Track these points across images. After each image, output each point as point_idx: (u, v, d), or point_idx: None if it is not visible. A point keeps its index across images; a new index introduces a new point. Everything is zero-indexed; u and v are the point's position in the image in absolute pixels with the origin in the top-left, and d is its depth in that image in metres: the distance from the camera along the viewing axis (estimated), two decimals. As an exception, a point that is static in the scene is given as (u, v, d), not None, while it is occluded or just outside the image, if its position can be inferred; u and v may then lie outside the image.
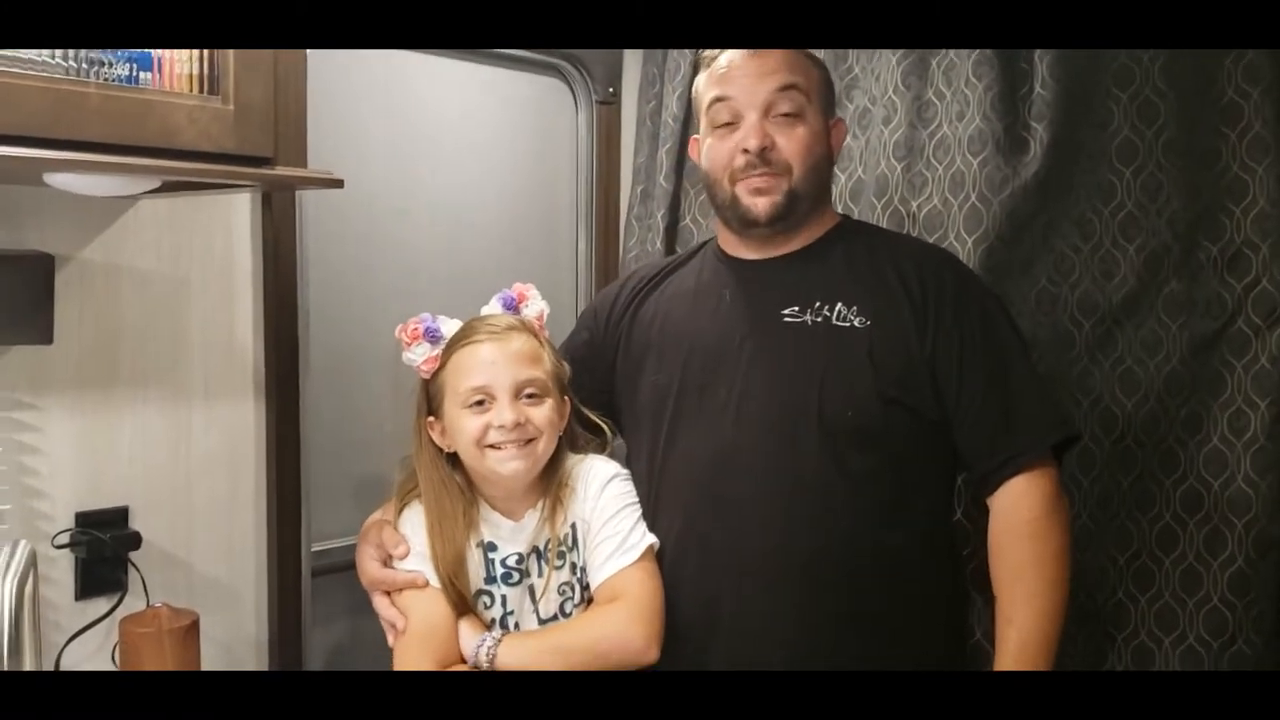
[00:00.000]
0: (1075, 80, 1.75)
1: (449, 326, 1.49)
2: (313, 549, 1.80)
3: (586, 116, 2.20)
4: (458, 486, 1.47)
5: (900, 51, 1.86)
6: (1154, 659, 1.78)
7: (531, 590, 1.47)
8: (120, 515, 1.56)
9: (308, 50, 1.55)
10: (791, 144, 1.46)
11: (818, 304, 1.47)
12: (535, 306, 1.53)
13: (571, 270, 2.23)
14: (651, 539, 1.47)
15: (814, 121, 1.48)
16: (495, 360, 1.43)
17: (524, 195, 2.15)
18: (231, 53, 1.19)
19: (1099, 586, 1.78)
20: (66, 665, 1.49)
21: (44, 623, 1.52)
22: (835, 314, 1.45)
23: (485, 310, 1.54)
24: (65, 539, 1.50)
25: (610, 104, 2.20)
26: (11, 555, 0.99)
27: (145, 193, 1.34)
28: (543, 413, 1.44)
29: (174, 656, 1.46)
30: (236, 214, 1.67)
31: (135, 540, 1.54)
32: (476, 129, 2.07)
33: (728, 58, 1.50)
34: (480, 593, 1.47)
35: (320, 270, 1.81)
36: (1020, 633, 1.41)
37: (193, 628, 1.49)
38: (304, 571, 1.78)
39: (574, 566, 1.48)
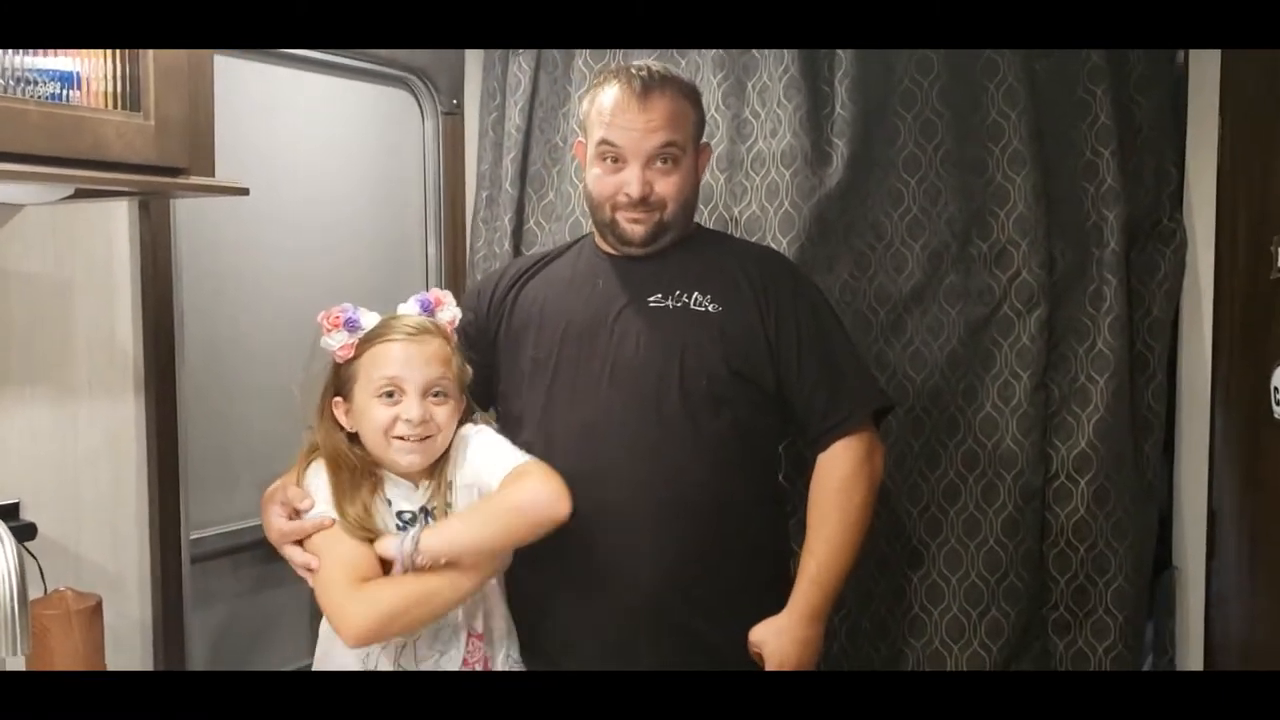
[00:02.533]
0: (869, 101, 2.05)
1: (368, 319, 1.61)
2: (191, 536, 1.90)
3: (433, 126, 2.35)
4: (358, 456, 1.61)
5: (721, 73, 2.12)
6: (944, 595, 2.09)
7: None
8: (13, 509, 1.63)
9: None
10: (667, 188, 1.71)
11: (678, 292, 1.73)
12: (449, 313, 1.67)
13: (422, 271, 2.37)
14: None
15: (687, 164, 1.73)
16: (410, 358, 1.58)
17: (377, 200, 2.29)
18: (150, 69, 1.29)
19: (896, 536, 2.09)
20: (-34, 652, 1.54)
21: (-59, 613, 1.57)
22: (692, 300, 1.72)
23: (402, 309, 1.66)
24: (-40, 532, 1.56)
25: (454, 114, 2.36)
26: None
27: (48, 202, 1.43)
28: (445, 412, 1.59)
29: (81, 637, 1.55)
30: (115, 220, 1.76)
31: (31, 531, 1.61)
32: (330, 138, 2.20)
33: (615, 100, 1.69)
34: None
35: (193, 272, 1.90)
36: (818, 562, 1.71)
37: (97, 609, 1.58)
38: (184, 558, 1.87)
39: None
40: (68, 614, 1.54)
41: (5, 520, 1.59)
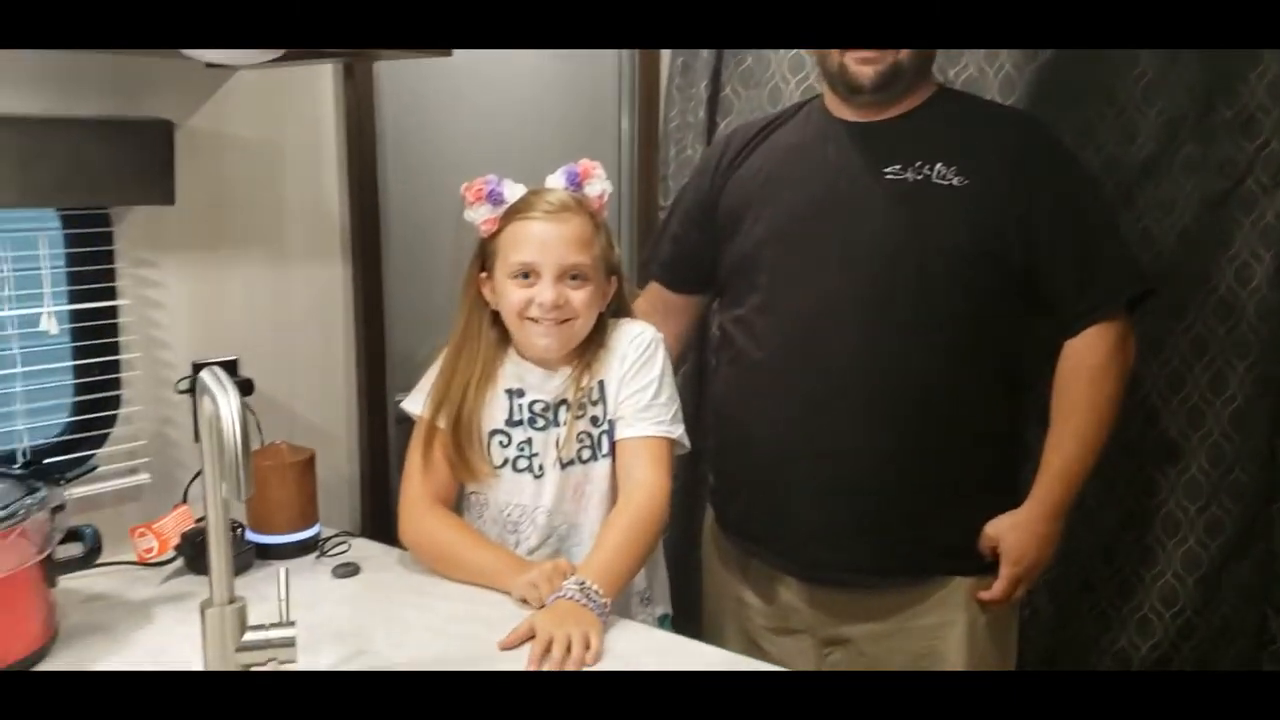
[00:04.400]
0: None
1: (512, 191, 1.56)
2: (396, 398, 1.95)
3: (629, -10, 2.28)
4: (489, 338, 1.58)
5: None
6: (1160, 488, 1.97)
7: (556, 437, 1.57)
8: (231, 366, 1.70)
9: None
10: None
11: (919, 163, 1.58)
12: (598, 186, 1.58)
13: (615, 141, 2.34)
14: (678, 432, 1.57)
15: None
16: (546, 239, 1.51)
17: (570, 66, 2.25)
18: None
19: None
20: (193, 497, 1.64)
21: (170, 461, 1.68)
22: (935, 172, 1.57)
23: (549, 181, 1.59)
24: (186, 384, 1.64)
25: (652, -23, 2.28)
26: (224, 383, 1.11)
27: (259, 64, 1.45)
28: (582, 296, 1.52)
29: (297, 487, 1.62)
30: (321, 85, 1.78)
31: (249, 387, 1.68)
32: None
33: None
34: (496, 432, 1.57)
35: (396, 138, 1.92)
36: (1063, 456, 1.60)
37: (310, 462, 1.65)
38: (389, 418, 1.94)
39: (595, 420, 1.57)
40: (283, 465, 1.62)
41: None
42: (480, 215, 1.56)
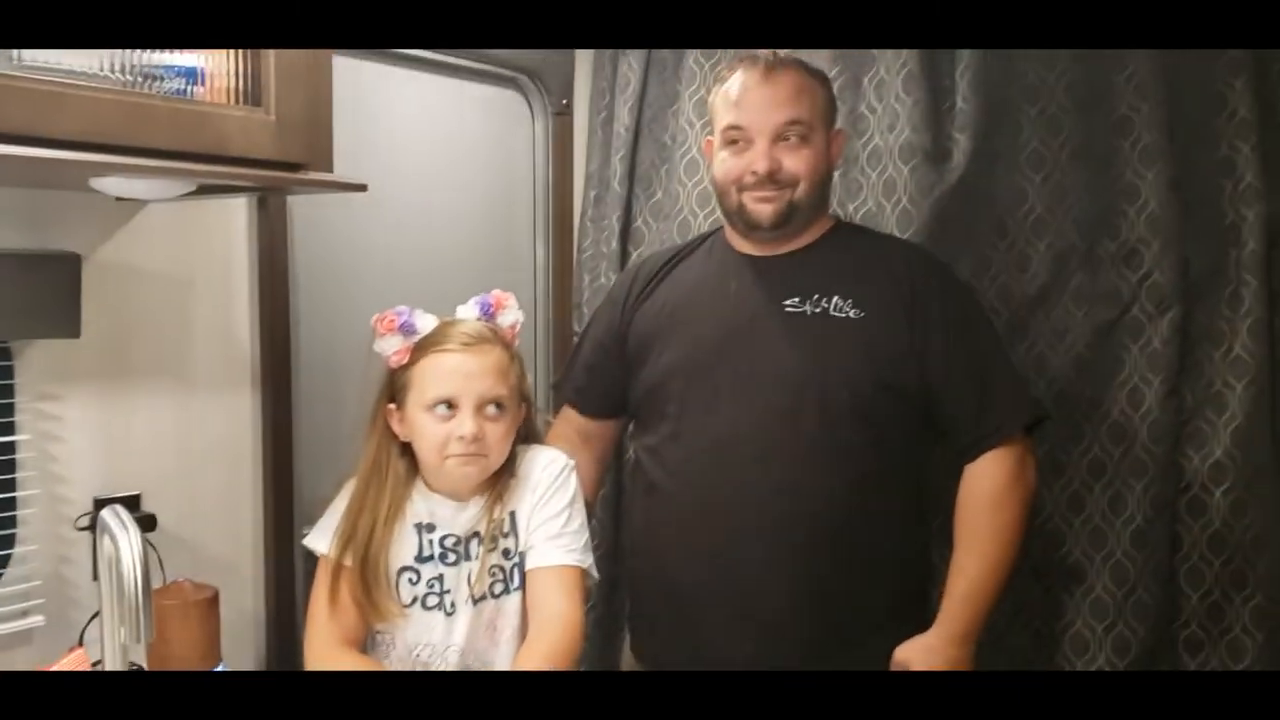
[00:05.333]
0: (991, 95, 1.97)
1: (424, 321, 1.55)
2: (304, 532, 1.91)
3: (542, 126, 2.35)
4: (397, 471, 1.55)
5: (836, 68, 2.06)
6: (1067, 609, 2.01)
7: (468, 572, 1.54)
8: (134, 501, 1.66)
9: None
10: (797, 164, 1.64)
11: (816, 295, 1.64)
12: (510, 316, 1.58)
13: (530, 269, 2.37)
14: (588, 561, 1.54)
15: (817, 142, 1.66)
16: (467, 371, 1.50)
17: (486, 199, 2.29)
18: (272, 66, 1.31)
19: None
20: (89, 640, 1.58)
21: (66, 601, 1.62)
22: (833, 305, 1.63)
23: (461, 311, 1.58)
24: (85, 521, 1.60)
25: (564, 114, 2.36)
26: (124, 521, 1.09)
27: (171, 198, 1.46)
28: (500, 428, 1.51)
29: (199, 627, 1.57)
30: (234, 218, 1.79)
31: (151, 522, 1.64)
32: (443, 138, 2.20)
33: (741, 83, 1.66)
34: (405, 569, 1.53)
35: (308, 271, 1.93)
36: (969, 581, 1.63)
37: (214, 600, 1.61)
38: (297, 553, 1.89)
39: (507, 552, 1.54)
40: (186, 604, 1.57)
41: (128, 511, 1.63)
42: (391, 347, 1.54)
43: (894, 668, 1.64)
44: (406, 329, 1.54)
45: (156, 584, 1.59)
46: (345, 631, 1.52)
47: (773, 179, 1.63)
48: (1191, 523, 1.98)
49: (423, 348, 1.53)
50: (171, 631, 1.55)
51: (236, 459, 1.81)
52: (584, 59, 2.38)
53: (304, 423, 1.90)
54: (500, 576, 1.55)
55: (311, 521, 1.93)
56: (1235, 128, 1.94)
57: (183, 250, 1.72)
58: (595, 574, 1.58)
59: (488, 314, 1.58)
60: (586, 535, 1.57)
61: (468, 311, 1.59)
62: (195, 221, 1.72)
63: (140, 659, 1.55)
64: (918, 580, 1.73)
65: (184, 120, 1.23)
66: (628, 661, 1.83)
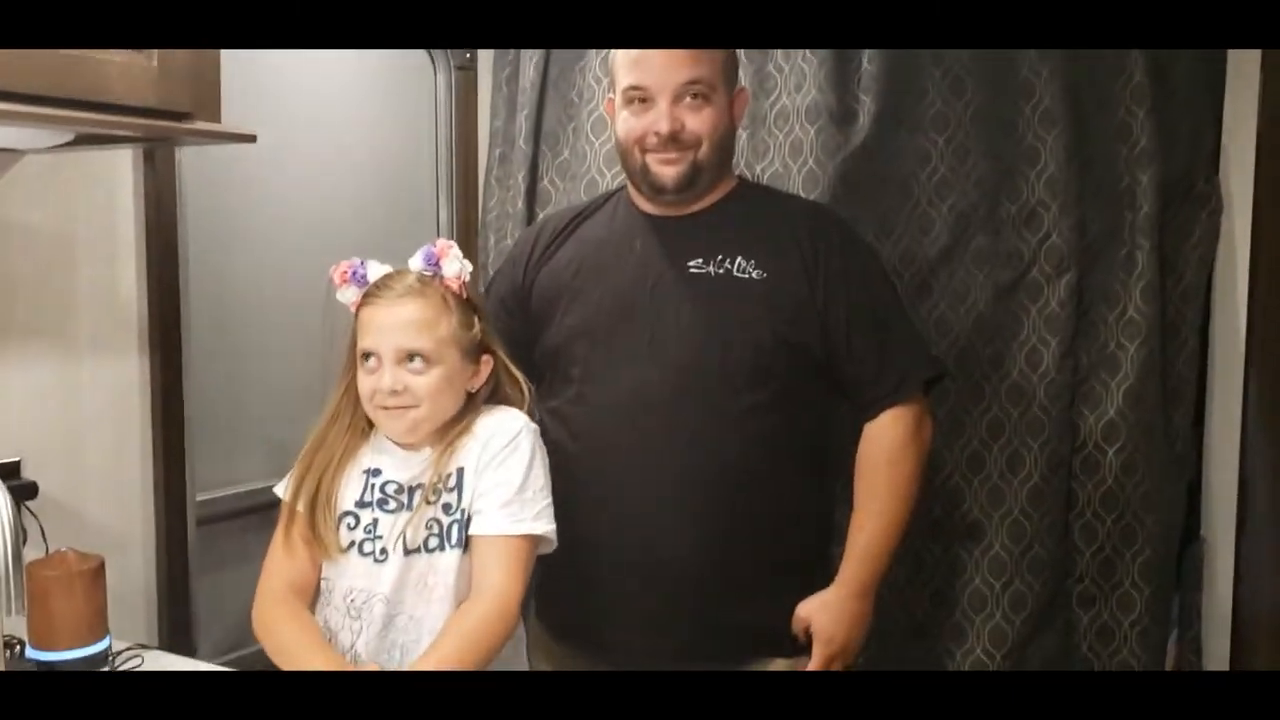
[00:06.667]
0: (897, 57, 1.98)
1: (375, 272, 1.52)
2: (198, 498, 1.85)
3: (445, 80, 2.29)
4: (359, 416, 1.54)
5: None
6: (966, 567, 2.05)
7: (404, 521, 1.49)
8: (14, 467, 1.58)
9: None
10: (699, 124, 1.61)
11: (719, 256, 1.63)
12: (454, 265, 1.53)
13: (434, 228, 2.32)
14: (542, 528, 1.49)
15: (719, 101, 1.63)
16: (382, 325, 1.47)
17: (386, 154, 2.23)
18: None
19: (917, 506, 2.01)
20: (-34, 614, 1.51)
21: (-60, 573, 1.54)
22: (735, 266, 1.63)
23: (411, 262, 1.55)
24: (-40, 490, 1.52)
25: (468, 69, 2.30)
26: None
27: (49, 148, 1.38)
28: (425, 381, 1.46)
29: (83, 599, 1.50)
30: (118, 170, 1.71)
31: (32, 490, 1.57)
32: (342, 90, 2.14)
33: None
34: (346, 514, 1.51)
35: (199, 226, 1.85)
36: (867, 536, 1.65)
37: (100, 570, 1.53)
38: (190, 520, 1.83)
39: (448, 507, 1.51)
40: (69, 575, 1.49)
41: (5, 479, 1.55)
42: (348, 297, 1.52)
43: (797, 624, 1.65)
44: (358, 280, 1.52)
45: (38, 554, 1.53)
46: (295, 576, 1.51)
47: (675, 139, 1.61)
48: (1085, 480, 2.03)
49: (363, 300, 1.52)
50: (55, 604, 1.47)
51: (124, 423, 1.74)
52: (488, 12, 2.32)
53: (195, 385, 1.84)
54: (436, 530, 1.50)
55: (206, 486, 1.90)
56: (1132, 92, 1.98)
57: (64, 204, 1.63)
58: (554, 539, 1.53)
59: (431, 262, 1.54)
60: (546, 501, 1.52)
61: (415, 261, 1.55)
62: (77, 174, 1.64)
63: (20, 633, 1.48)
64: (819, 537, 1.74)
65: (59, 64, 1.15)
66: (533, 632, 1.80)
